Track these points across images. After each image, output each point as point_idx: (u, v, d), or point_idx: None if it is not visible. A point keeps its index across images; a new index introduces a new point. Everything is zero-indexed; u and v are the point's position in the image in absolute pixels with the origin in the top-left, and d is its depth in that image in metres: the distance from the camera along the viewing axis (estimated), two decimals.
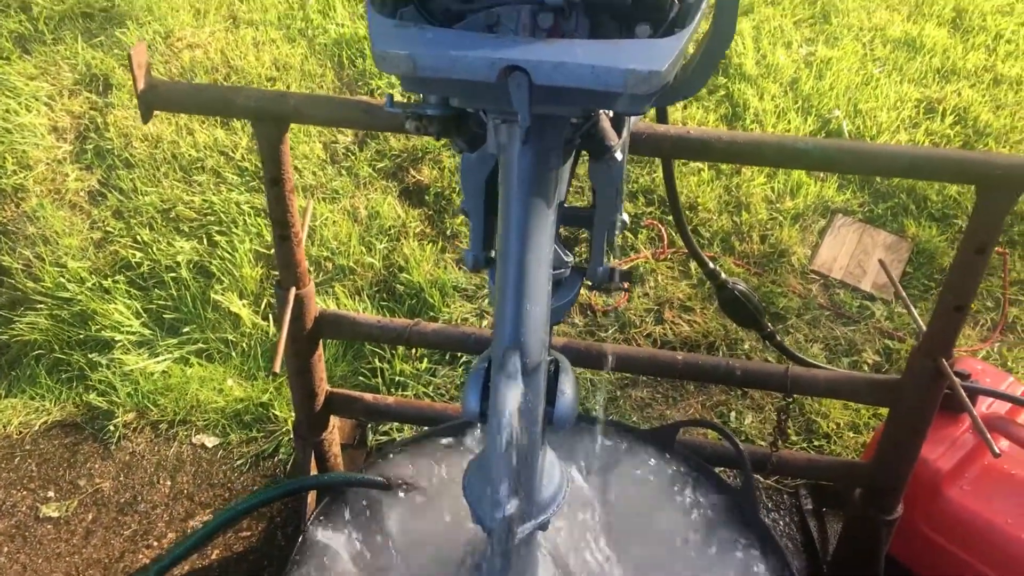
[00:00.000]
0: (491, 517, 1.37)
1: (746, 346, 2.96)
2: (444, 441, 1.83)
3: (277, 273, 1.91)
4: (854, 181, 3.49)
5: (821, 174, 3.50)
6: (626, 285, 1.94)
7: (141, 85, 1.61)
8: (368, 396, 2.13)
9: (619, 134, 1.37)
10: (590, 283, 1.55)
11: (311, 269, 3.06)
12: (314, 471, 2.18)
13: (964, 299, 1.70)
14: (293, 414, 2.25)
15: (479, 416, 1.48)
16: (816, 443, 2.70)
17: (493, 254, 1.54)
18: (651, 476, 1.75)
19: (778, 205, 3.37)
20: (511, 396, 1.37)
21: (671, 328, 2.99)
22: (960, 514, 2.11)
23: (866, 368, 2.95)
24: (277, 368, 1.77)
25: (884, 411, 2.89)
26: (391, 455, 1.79)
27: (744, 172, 3.41)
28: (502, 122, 1.21)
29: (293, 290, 1.88)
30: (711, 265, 2.12)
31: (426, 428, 1.91)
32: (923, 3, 4.28)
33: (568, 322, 3.05)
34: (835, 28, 4.14)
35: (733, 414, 2.79)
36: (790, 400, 1.92)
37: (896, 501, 2.04)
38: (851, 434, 2.72)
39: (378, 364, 2.78)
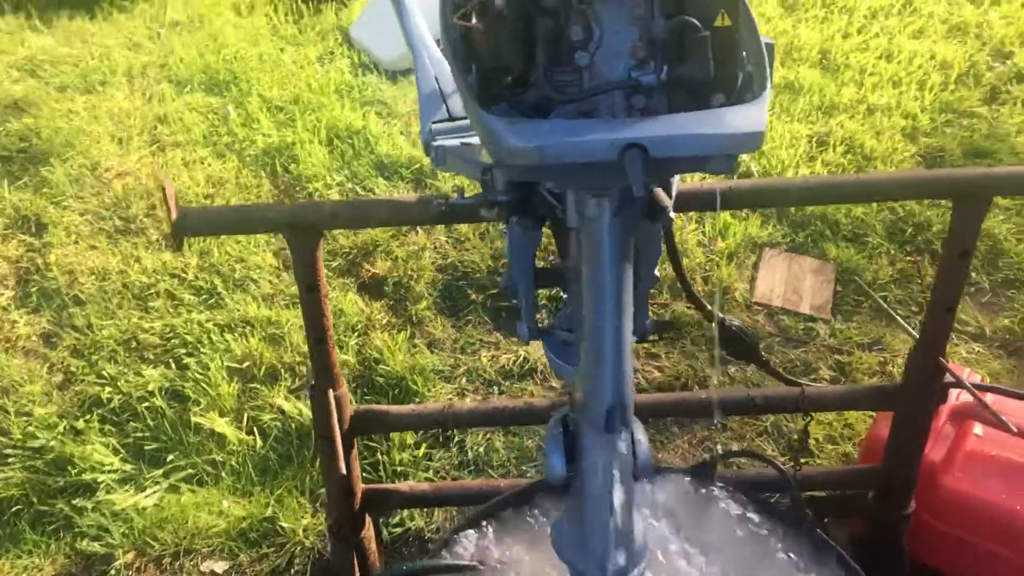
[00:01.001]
0: (602, 573, 1.43)
1: (714, 380, 3.13)
2: (505, 513, 1.89)
3: (311, 377, 1.94)
4: (773, 215, 3.77)
5: (743, 213, 3.77)
6: (661, 335, 2.06)
7: (175, 215, 1.64)
8: (403, 487, 2.16)
9: (669, 194, 1.50)
10: (636, 337, 1.65)
11: (287, 375, 3.06)
12: (356, 571, 2.18)
13: (952, 301, 1.90)
14: (326, 517, 2.24)
15: (566, 479, 1.56)
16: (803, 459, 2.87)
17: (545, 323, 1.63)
18: (713, 510, 1.85)
19: (711, 247, 3.60)
20: (619, 453, 1.46)
21: (643, 375, 3.13)
22: (960, 500, 2.28)
23: (825, 382, 3.16)
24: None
25: (853, 416, 3.12)
26: (460, 536, 1.83)
27: (677, 220, 3.63)
28: (592, 197, 1.31)
29: (331, 392, 1.91)
30: (708, 307, 2.27)
31: (482, 505, 1.96)
32: (791, 50, 4.69)
33: (544, 385, 3.15)
34: None
35: (719, 447, 2.93)
36: (809, 419, 2.07)
37: (910, 497, 2.21)
38: (830, 446, 2.91)
39: (380, 457, 2.79)
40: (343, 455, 2.02)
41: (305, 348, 3.10)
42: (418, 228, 3.54)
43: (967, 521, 2.29)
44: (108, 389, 2.96)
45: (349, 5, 4.72)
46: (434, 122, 1.72)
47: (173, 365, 3.03)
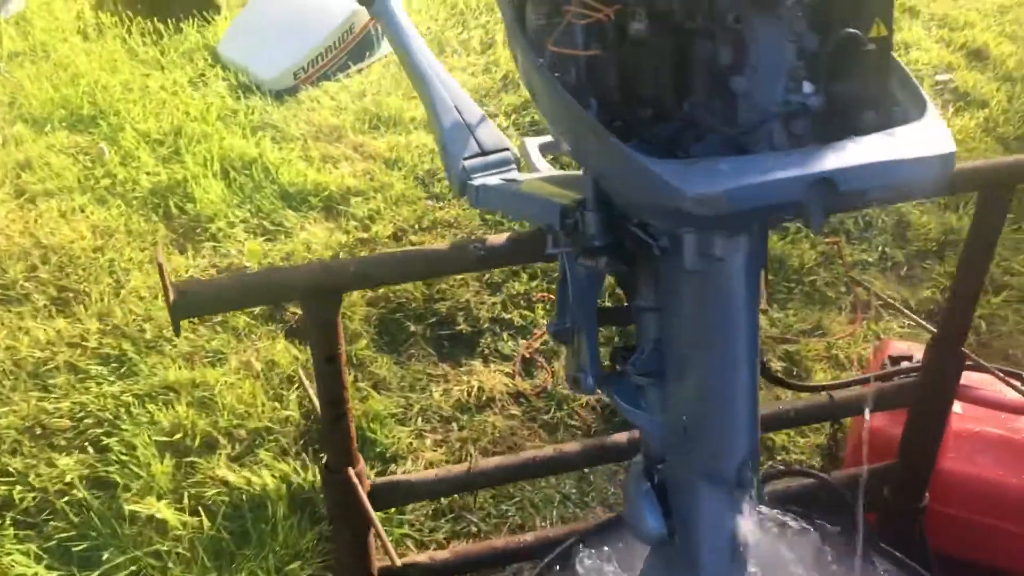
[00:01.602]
0: None
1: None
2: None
3: (323, 455, 1.70)
4: None
5: None
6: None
7: (172, 295, 1.37)
8: (422, 558, 1.94)
9: None
10: None
11: (225, 442, 2.74)
12: None
13: (975, 293, 1.88)
14: None
15: (666, 535, 1.42)
16: (778, 458, 2.83)
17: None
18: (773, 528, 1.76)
19: None
20: (748, 507, 1.33)
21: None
22: (961, 481, 2.30)
23: (779, 373, 3.15)
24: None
25: None
26: None
27: None
28: (722, 237, 1.16)
29: (350, 470, 1.67)
30: None
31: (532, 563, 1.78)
32: None
33: (504, 413, 2.98)
34: None
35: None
36: (837, 425, 2.00)
37: (925, 487, 2.19)
38: (801, 439, 2.90)
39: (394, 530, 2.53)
40: (362, 535, 1.79)
41: (242, 408, 2.79)
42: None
43: (968, 500, 2.31)
44: (18, 487, 2.54)
45: (213, 21, 4.34)
46: (466, 158, 1.53)
47: (90, 449, 2.65)
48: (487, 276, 3.31)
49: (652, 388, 1.45)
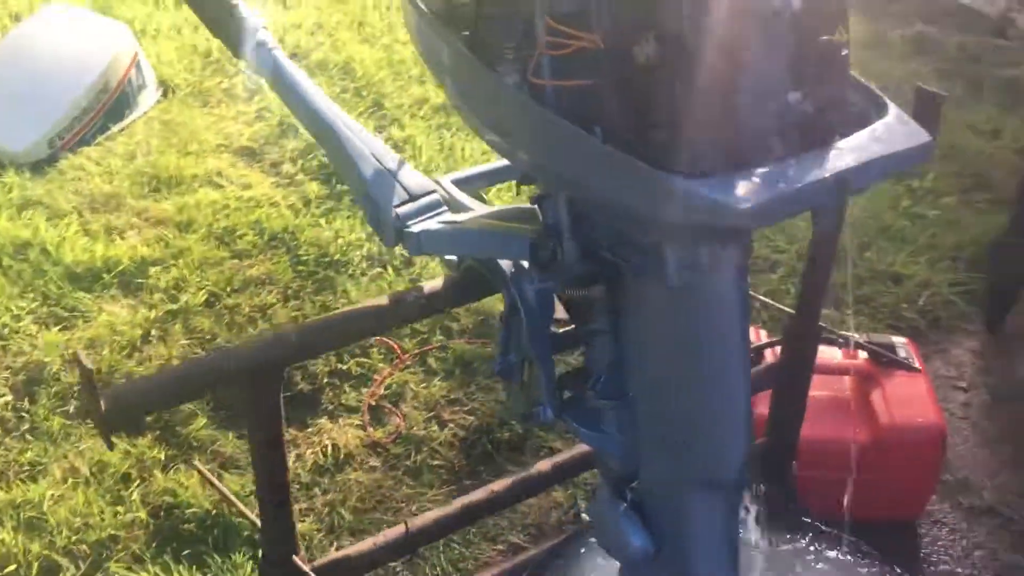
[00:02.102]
0: None
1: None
2: None
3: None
4: None
5: None
6: None
7: (103, 404, 1.21)
8: None
9: None
10: None
11: (66, 564, 2.42)
12: None
13: (827, 271, 2.08)
14: None
15: (652, 552, 1.45)
16: None
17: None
18: None
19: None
20: (744, 506, 1.38)
21: (459, 425, 3.00)
22: (816, 444, 2.52)
23: None
24: None
25: None
26: None
27: None
28: (713, 248, 1.21)
29: (296, 559, 1.55)
30: None
31: None
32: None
33: (365, 467, 2.88)
34: None
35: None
36: None
37: (794, 457, 2.39)
38: None
39: None
40: None
41: (79, 521, 2.48)
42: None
43: (816, 460, 2.54)
44: None
45: None
46: (397, 205, 1.47)
47: None
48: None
49: (613, 410, 1.47)
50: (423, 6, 1.36)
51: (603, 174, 1.13)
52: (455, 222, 1.46)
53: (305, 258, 3.38)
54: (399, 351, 3.18)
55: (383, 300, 1.44)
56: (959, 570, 2.60)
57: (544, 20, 1.17)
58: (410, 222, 1.45)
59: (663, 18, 1.08)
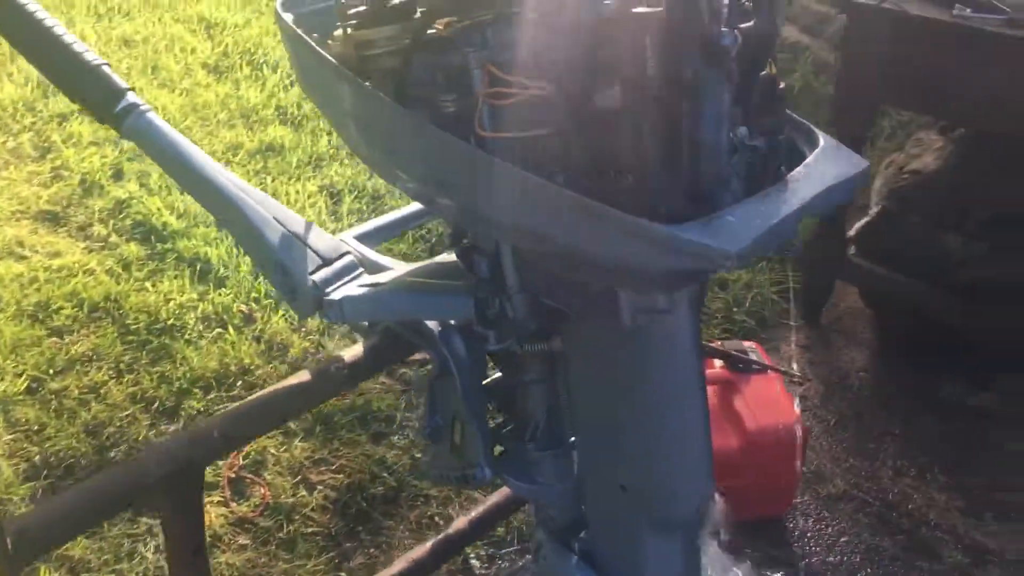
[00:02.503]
0: None
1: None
2: None
3: None
4: None
5: None
6: None
7: (8, 540, 1.06)
8: None
9: None
10: None
11: None
12: None
13: None
14: None
15: None
16: None
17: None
18: None
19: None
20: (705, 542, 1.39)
21: (329, 486, 2.86)
22: None
23: None
24: None
25: None
26: None
27: None
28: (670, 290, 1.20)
29: None
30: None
31: None
32: (247, 111, 4.52)
33: (234, 547, 2.68)
34: None
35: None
36: None
37: None
38: None
39: None
40: None
41: None
42: None
43: None
44: None
45: None
46: (311, 272, 1.38)
47: None
48: (156, 403, 2.94)
49: (550, 459, 1.45)
50: (325, 52, 1.28)
51: (572, 225, 1.09)
52: (378, 284, 1.39)
53: (134, 327, 3.12)
54: None
55: (304, 376, 1.34)
56: (831, 559, 2.76)
57: (484, 69, 1.13)
58: (328, 289, 1.36)
59: (627, 63, 1.07)
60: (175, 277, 3.35)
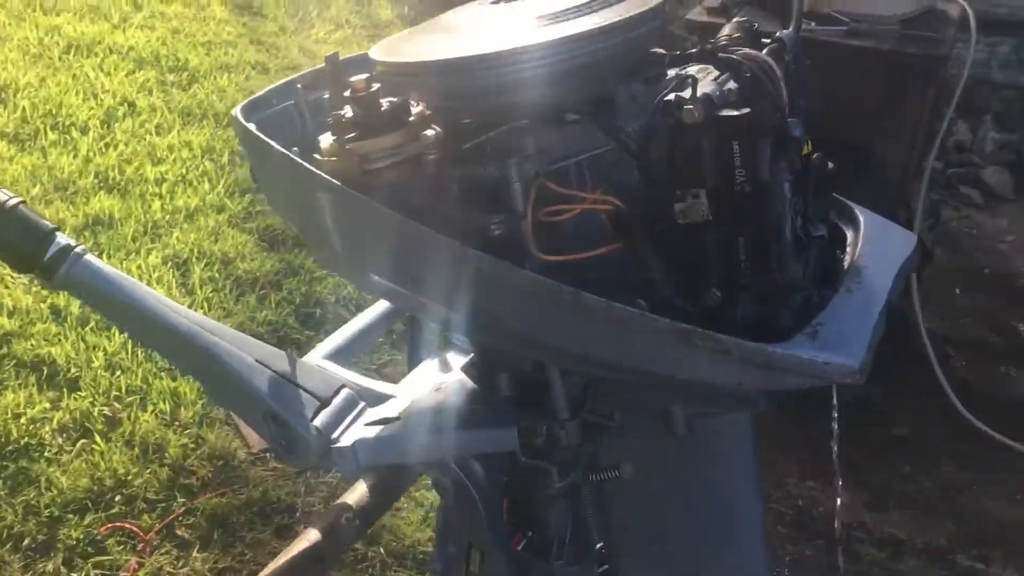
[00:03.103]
0: None
1: None
2: None
3: None
4: None
5: None
6: None
7: None
8: None
9: None
10: None
11: None
12: None
13: None
14: None
15: None
16: None
17: None
18: None
19: None
20: None
21: None
22: None
23: None
24: None
25: None
26: None
27: None
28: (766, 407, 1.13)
29: None
30: None
31: None
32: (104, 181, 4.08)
33: None
34: None
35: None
36: None
37: None
38: None
39: None
40: None
41: None
42: None
43: None
44: None
45: None
46: (312, 418, 1.20)
47: None
48: (25, 539, 2.56)
49: (577, 574, 1.35)
50: (308, 164, 1.11)
51: (670, 354, 0.97)
52: (388, 420, 1.21)
53: None
54: (140, 532, 2.67)
55: (313, 535, 1.15)
56: None
57: (532, 182, 1.01)
58: (334, 435, 1.18)
59: (713, 170, 0.98)
60: (19, 386, 2.95)
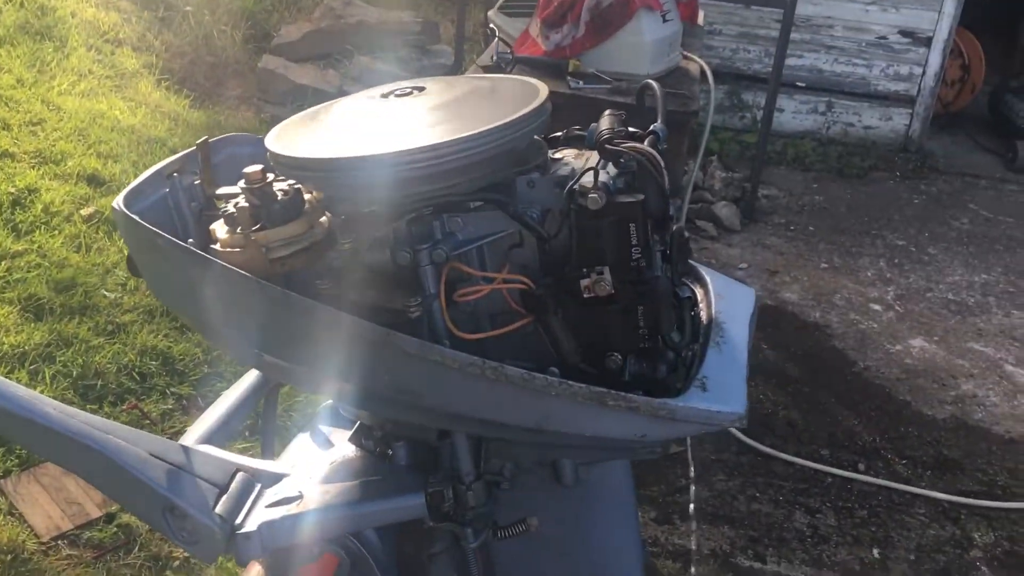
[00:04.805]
0: None
1: None
2: None
3: None
4: None
5: None
6: None
7: None
8: None
9: None
10: None
11: None
12: None
13: None
14: None
15: None
16: None
17: None
18: None
19: None
20: None
21: None
22: None
23: None
24: None
25: None
26: None
27: None
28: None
29: None
30: None
31: None
32: None
33: None
34: None
35: None
36: None
37: None
38: None
39: None
40: None
41: None
42: None
43: None
44: None
45: None
46: (214, 507, 1.18)
47: None
48: None
49: None
50: (198, 250, 1.10)
51: (578, 414, 1.07)
52: (290, 499, 1.20)
53: None
54: None
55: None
56: None
57: (444, 266, 1.09)
58: (237, 520, 1.16)
59: (614, 250, 1.11)
60: None
